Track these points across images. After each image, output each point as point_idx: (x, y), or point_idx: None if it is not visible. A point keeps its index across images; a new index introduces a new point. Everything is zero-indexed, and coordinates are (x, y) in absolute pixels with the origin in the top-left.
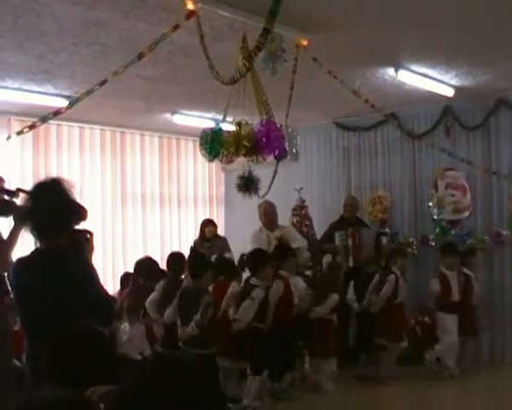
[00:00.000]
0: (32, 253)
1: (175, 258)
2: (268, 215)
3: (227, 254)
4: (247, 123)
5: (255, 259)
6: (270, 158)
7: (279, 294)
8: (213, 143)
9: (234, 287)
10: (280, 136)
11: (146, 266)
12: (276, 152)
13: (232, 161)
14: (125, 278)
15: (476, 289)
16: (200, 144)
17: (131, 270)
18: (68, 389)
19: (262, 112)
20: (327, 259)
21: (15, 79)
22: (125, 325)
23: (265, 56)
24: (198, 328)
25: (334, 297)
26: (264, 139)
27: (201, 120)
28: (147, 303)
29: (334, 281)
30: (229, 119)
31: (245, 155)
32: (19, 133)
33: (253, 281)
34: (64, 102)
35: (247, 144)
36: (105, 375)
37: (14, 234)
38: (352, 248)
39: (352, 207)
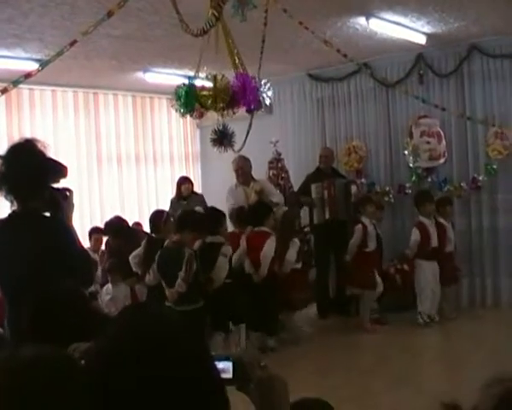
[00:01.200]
0: (9, 215)
1: (157, 216)
2: (242, 169)
3: (197, 208)
4: (223, 76)
5: (260, 211)
6: (243, 112)
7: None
8: (188, 98)
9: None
10: (255, 88)
11: (114, 225)
12: (252, 105)
13: (203, 116)
14: (93, 232)
15: (451, 238)
16: (175, 100)
17: None
18: (49, 346)
19: (235, 65)
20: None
21: None
22: (107, 286)
23: (234, 3)
24: (185, 284)
25: (296, 242)
26: (240, 92)
27: (174, 78)
28: (130, 257)
29: (292, 227)
30: (201, 74)
31: (222, 109)
32: None
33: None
34: (35, 66)
35: (225, 97)
36: (86, 334)
37: None
38: (327, 200)
39: (327, 158)
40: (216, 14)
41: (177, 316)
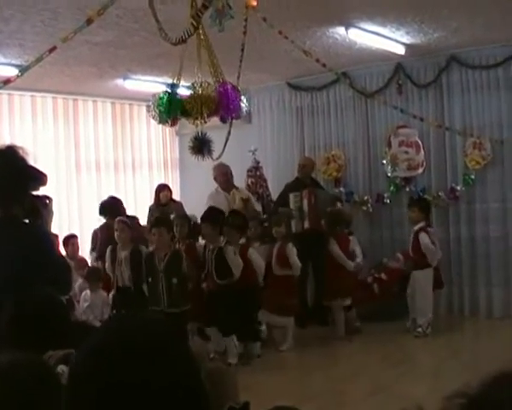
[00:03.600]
0: None
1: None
2: (225, 175)
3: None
4: (208, 84)
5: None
6: (217, 120)
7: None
8: (172, 106)
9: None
10: (237, 97)
11: (109, 204)
12: (233, 114)
13: (176, 123)
14: (69, 238)
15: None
16: (156, 107)
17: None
18: (25, 352)
19: (215, 73)
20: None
21: None
22: (85, 292)
23: (212, 13)
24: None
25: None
26: (223, 101)
27: (153, 85)
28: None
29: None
30: (182, 82)
31: (204, 117)
32: None
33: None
34: (14, 72)
35: (211, 105)
36: (63, 341)
37: None
38: (307, 210)
39: (306, 167)
40: (194, 23)
41: (164, 322)
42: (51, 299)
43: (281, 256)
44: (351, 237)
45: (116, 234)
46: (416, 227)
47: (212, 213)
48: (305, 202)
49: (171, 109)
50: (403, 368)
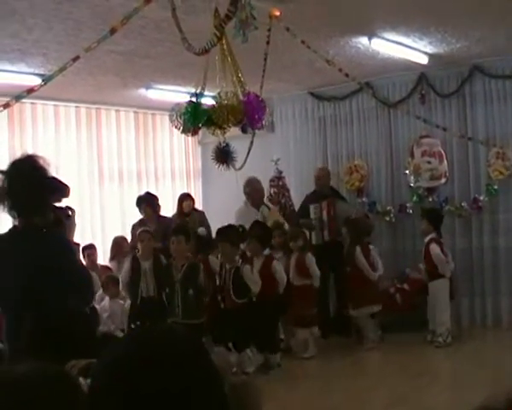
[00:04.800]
0: (10, 231)
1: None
2: (259, 192)
3: (200, 229)
4: (234, 94)
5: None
6: (237, 130)
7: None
8: (197, 115)
9: (212, 261)
10: (262, 107)
11: (146, 196)
12: (259, 124)
13: (197, 133)
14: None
15: None
16: (180, 116)
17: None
18: (47, 362)
19: (239, 83)
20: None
21: None
22: (104, 303)
23: (236, 24)
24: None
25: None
26: (249, 111)
27: (176, 94)
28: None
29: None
30: (206, 91)
31: (228, 127)
32: None
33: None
34: (38, 81)
35: (238, 115)
36: (85, 352)
37: None
38: (326, 221)
39: (321, 179)
40: (218, 34)
41: (187, 334)
42: (73, 309)
43: (299, 266)
44: (371, 247)
45: (141, 245)
46: (427, 239)
47: (231, 232)
48: (325, 213)
49: (196, 118)
50: (424, 379)
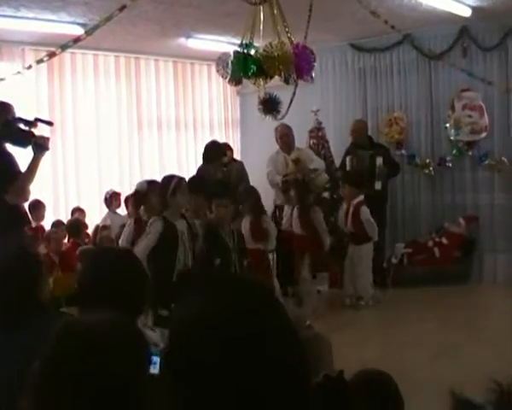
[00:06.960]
0: None
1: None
2: (284, 137)
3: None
4: (285, 45)
5: None
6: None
7: None
8: (247, 64)
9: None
10: (311, 58)
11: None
12: (307, 75)
13: (241, 83)
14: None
15: None
16: (228, 65)
17: None
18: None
19: (285, 33)
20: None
21: (30, 8)
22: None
23: None
24: None
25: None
26: (300, 61)
27: (217, 44)
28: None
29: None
30: (243, 41)
31: (271, 77)
32: (38, 62)
33: None
34: (79, 30)
35: (290, 65)
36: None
37: (33, 165)
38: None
39: (355, 132)
40: None
41: (263, 289)
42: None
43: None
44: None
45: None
46: (355, 201)
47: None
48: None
49: (245, 68)
50: (465, 334)
